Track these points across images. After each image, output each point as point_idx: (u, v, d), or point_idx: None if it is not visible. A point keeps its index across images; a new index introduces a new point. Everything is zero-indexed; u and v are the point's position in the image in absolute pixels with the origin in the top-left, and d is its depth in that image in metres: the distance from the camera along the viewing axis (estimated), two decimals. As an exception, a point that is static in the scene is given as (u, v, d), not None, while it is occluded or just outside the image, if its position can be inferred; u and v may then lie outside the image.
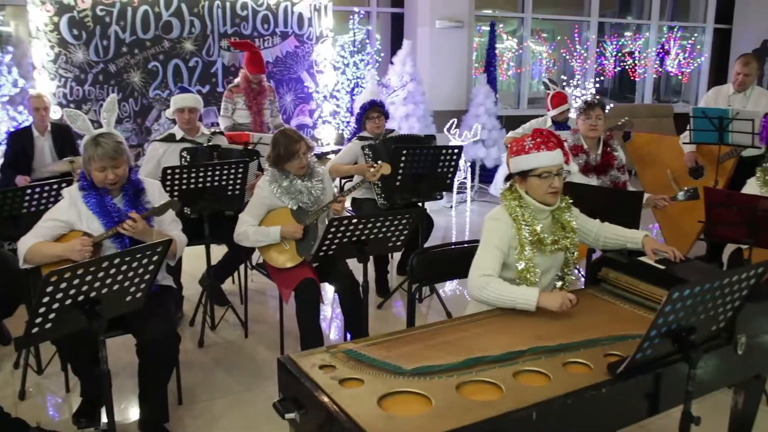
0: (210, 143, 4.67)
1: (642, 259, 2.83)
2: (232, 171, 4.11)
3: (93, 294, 2.38)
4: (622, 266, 2.84)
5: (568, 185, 3.26)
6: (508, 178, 2.90)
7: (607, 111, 5.59)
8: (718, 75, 11.38)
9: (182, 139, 4.66)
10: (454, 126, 7.66)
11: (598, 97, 4.60)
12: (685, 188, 4.30)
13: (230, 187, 4.16)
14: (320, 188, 3.92)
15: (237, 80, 6.22)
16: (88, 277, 2.32)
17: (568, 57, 10.22)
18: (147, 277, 2.57)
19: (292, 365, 2.13)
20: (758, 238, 3.60)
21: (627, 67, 10.81)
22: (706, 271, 2.83)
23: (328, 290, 4.97)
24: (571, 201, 2.93)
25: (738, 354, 2.43)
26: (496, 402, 1.95)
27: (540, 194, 2.76)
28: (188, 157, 4.52)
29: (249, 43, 6.54)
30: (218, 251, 4.55)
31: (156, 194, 3.32)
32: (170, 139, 4.67)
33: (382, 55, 8.64)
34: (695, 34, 11.51)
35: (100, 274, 2.36)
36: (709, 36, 11.53)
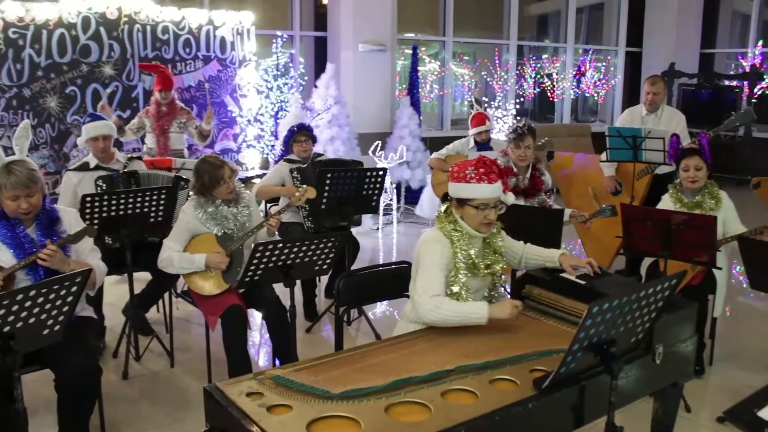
0: (126, 170, 4.55)
1: (564, 275, 2.90)
2: (155, 197, 4.02)
3: (6, 328, 2.28)
4: (545, 283, 2.90)
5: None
6: (445, 199, 2.92)
7: (541, 142, 5.72)
8: (631, 95, 11.83)
9: (96, 167, 4.52)
10: (378, 148, 7.72)
11: (529, 125, 4.64)
12: (604, 205, 4.44)
13: (153, 214, 4.06)
14: (246, 214, 3.88)
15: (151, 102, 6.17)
16: (1, 311, 2.23)
17: (489, 79, 10.45)
18: (65, 309, 2.48)
19: (219, 394, 2.09)
20: (672, 250, 3.74)
21: (546, 88, 11.13)
22: (624, 285, 2.92)
23: (256, 316, 4.91)
24: (503, 226, 2.99)
25: (656, 363, 2.51)
26: (424, 422, 1.95)
27: (474, 223, 2.79)
28: (104, 185, 4.38)
29: (157, 65, 6.51)
30: (142, 280, 4.44)
31: (73, 223, 3.21)
32: (84, 167, 4.53)
33: (306, 78, 8.65)
34: (609, 57, 11.96)
35: (14, 308, 2.26)
36: (621, 58, 12.00)
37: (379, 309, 5.38)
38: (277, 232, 4.08)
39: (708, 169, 4.20)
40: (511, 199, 2.88)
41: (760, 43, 11.40)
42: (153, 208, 4.05)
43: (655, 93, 5.59)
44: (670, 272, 3.68)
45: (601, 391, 2.19)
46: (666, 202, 4.30)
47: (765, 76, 11.04)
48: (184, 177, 4.76)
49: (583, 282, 2.81)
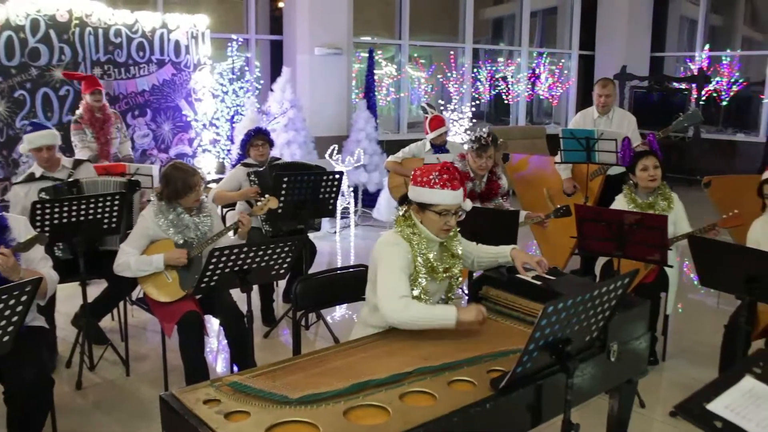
0: (70, 179, 4.45)
1: (519, 276, 2.93)
2: (107, 203, 3.95)
3: (-47, 340, 2.23)
4: (501, 284, 2.93)
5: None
6: (403, 201, 2.91)
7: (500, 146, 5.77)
8: (585, 98, 12.02)
9: (42, 177, 4.42)
10: (335, 152, 7.72)
11: (492, 135, 4.66)
12: (558, 206, 4.51)
13: (106, 221, 3.99)
14: (208, 224, 3.84)
15: (79, 112, 6.06)
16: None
17: (445, 82, 10.52)
18: (15, 319, 2.42)
19: (175, 402, 2.06)
20: (625, 250, 3.81)
21: (501, 91, 11.24)
22: (579, 285, 2.96)
23: (213, 322, 4.85)
24: (458, 229, 3.00)
25: (611, 361, 2.55)
26: (383, 425, 1.96)
27: (434, 229, 2.79)
28: (47, 196, 4.26)
29: (80, 73, 6.46)
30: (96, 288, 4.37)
31: (22, 230, 3.14)
32: (30, 178, 4.42)
33: (262, 82, 8.60)
34: (562, 60, 12.14)
35: (-39, 319, 2.21)
36: (575, 61, 12.20)
37: (337, 313, 5.37)
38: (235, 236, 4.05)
39: (663, 169, 4.30)
40: (469, 205, 2.90)
41: (707, 47, 11.70)
42: (106, 215, 3.98)
43: (606, 95, 5.69)
44: (624, 271, 3.75)
45: (558, 390, 2.22)
46: (620, 203, 4.38)
47: (712, 79, 11.34)
48: (137, 181, 4.70)
49: (538, 282, 2.84)
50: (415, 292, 2.75)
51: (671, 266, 4.05)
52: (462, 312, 2.61)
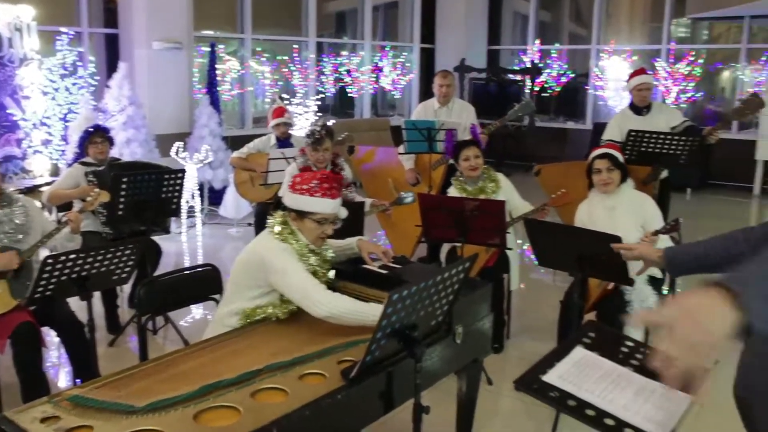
0: None
1: (366, 266, 2.98)
2: None
3: None
4: (349, 275, 2.97)
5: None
6: (277, 206, 2.87)
7: (341, 137, 5.79)
8: (427, 90, 12.35)
9: None
10: (181, 149, 7.48)
11: (325, 127, 4.67)
12: (402, 193, 4.62)
13: None
14: (21, 214, 3.56)
15: None
16: None
17: (289, 76, 10.46)
18: None
19: (8, 425, 1.92)
20: (467, 236, 3.97)
21: (345, 84, 11.33)
22: (424, 272, 3.06)
23: (53, 333, 4.57)
24: None
25: (457, 343, 2.66)
26: (234, 425, 1.93)
27: (311, 237, 2.80)
28: None
29: None
30: None
31: None
32: None
33: (97, 78, 8.15)
34: (404, 53, 12.41)
35: None
36: (416, 54, 12.51)
37: (190, 315, 5.22)
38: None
39: (483, 157, 4.52)
40: (345, 213, 2.91)
41: (538, 41, 12.39)
42: None
43: (446, 86, 5.89)
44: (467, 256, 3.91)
45: (407, 375, 2.28)
46: (452, 193, 4.57)
47: (543, 71, 12.02)
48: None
49: (385, 272, 2.90)
50: None
51: (511, 249, 4.27)
52: None
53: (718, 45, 11.72)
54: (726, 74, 11.59)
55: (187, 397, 2.06)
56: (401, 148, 5.61)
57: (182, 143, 7.66)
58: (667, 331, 1.17)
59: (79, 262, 3.05)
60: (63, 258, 2.99)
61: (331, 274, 2.91)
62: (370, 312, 2.55)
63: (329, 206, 2.77)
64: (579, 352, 2.07)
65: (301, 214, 2.78)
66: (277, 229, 2.80)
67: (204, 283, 3.13)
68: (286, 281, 2.68)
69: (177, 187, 4.63)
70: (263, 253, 2.75)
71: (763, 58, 10.58)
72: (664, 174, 5.22)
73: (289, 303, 2.73)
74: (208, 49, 8.86)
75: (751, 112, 5.16)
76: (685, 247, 2.16)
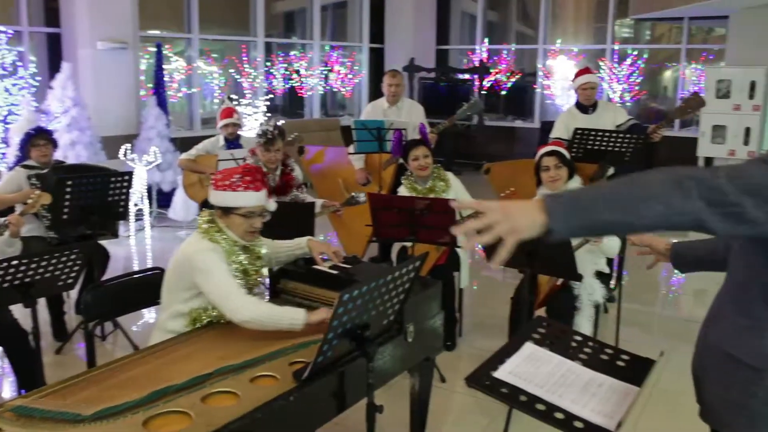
0: None
1: (317, 266, 2.97)
2: None
3: None
4: (299, 276, 2.96)
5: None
6: (204, 206, 2.85)
7: (291, 137, 5.74)
8: (376, 90, 12.37)
9: None
10: (129, 151, 7.35)
11: (277, 127, 4.62)
12: (353, 193, 4.62)
13: None
14: None
15: None
16: None
17: (238, 76, 10.36)
18: None
19: (-52, 436, 1.87)
20: (418, 234, 3.99)
21: (295, 84, 11.27)
22: (375, 271, 3.06)
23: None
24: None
25: (409, 342, 2.67)
26: (185, 430, 1.91)
27: (240, 232, 2.77)
28: None
29: None
30: None
31: None
32: None
33: (39, 79, 7.95)
34: (354, 53, 12.40)
35: None
36: (365, 54, 12.51)
37: (141, 320, 5.12)
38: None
39: (432, 156, 4.55)
40: (273, 206, 2.89)
41: (486, 40, 12.51)
42: None
43: (396, 86, 5.91)
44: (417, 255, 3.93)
45: (360, 375, 2.29)
46: (402, 193, 4.59)
47: (491, 70, 12.15)
48: None
49: (335, 272, 2.90)
50: None
51: (461, 247, 4.30)
52: (311, 315, 2.58)
53: (659, 45, 12.01)
54: (668, 73, 11.89)
55: (136, 403, 2.03)
56: (351, 148, 5.61)
57: (130, 145, 7.52)
58: (483, 216, 1.45)
59: (22, 268, 2.97)
60: (5, 264, 2.91)
61: (265, 271, 2.90)
62: (286, 316, 2.54)
63: (253, 198, 2.76)
64: (529, 348, 2.10)
65: (226, 211, 2.76)
66: (204, 227, 2.78)
67: (153, 287, 3.07)
68: (208, 282, 2.65)
69: (124, 190, 4.54)
70: (190, 253, 2.72)
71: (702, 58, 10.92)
72: (611, 171, 5.33)
73: None
74: (155, 49, 8.72)
75: (693, 110, 5.29)
76: (693, 243, 2.15)
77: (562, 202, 1.44)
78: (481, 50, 12.47)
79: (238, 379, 2.20)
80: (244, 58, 10.39)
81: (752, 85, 9.59)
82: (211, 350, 2.45)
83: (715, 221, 1.39)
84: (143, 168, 7.51)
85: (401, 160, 5.61)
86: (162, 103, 8.42)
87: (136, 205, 7.48)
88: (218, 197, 2.77)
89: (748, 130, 9.63)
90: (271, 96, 10.79)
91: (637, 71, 11.15)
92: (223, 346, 2.48)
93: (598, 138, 4.94)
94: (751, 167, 1.42)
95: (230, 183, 2.73)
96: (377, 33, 12.64)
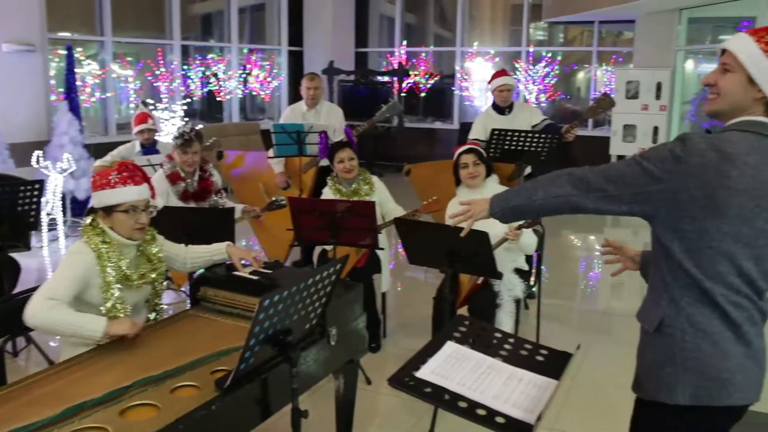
0: None
1: (237, 272, 2.94)
2: None
3: None
4: (219, 282, 2.91)
5: (162, 210, 3.24)
6: (90, 212, 2.77)
7: (209, 142, 5.64)
8: (296, 93, 12.30)
9: None
10: (41, 158, 7.08)
11: (195, 130, 4.54)
12: (274, 198, 4.59)
13: None
14: None
15: None
16: None
17: (153, 80, 10.12)
18: None
19: None
20: (339, 237, 4.00)
21: (213, 88, 11.10)
22: (296, 275, 3.05)
23: None
24: (157, 230, 2.92)
25: (332, 345, 2.67)
26: (102, 446, 1.85)
27: (126, 230, 2.70)
28: None
29: None
30: None
31: None
32: None
33: (-61, 83, 7.58)
34: (273, 56, 12.30)
35: None
36: (284, 57, 12.43)
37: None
38: None
39: (357, 158, 4.58)
40: (159, 202, 2.83)
41: (405, 43, 12.63)
42: None
43: (315, 88, 5.91)
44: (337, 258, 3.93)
45: (284, 380, 2.26)
46: (327, 194, 4.59)
47: (410, 72, 12.27)
48: None
49: (256, 277, 2.87)
50: (109, 305, 2.64)
51: (382, 249, 4.33)
52: (113, 324, 2.53)
53: (572, 48, 12.39)
54: (581, 75, 12.28)
55: (50, 421, 1.96)
56: (271, 152, 5.57)
57: (41, 152, 7.25)
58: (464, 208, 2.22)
59: (-77, 283, 2.83)
60: None
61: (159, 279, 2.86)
62: (85, 326, 2.49)
63: (134, 193, 2.70)
64: (450, 347, 2.14)
65: (108, 211, 2.70)
66: (85, 230, 2.71)
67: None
68: (52, 276, 2.62)
69: (34, 199, 4.38)
70: (66, 255, 2.69)
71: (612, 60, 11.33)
72: (528, 170, 5.46)
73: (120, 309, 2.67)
74: (65, 52, 8.43)
75: (603, 110, 5.47)
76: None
77: (497, 197, 2.14)
78: (400, 53, 12.57)
79: (159, 391, 2.15)
80: (160, 62, 10.16)
81: (658, 86, 10.01)
82: (130, 361, 2.38)
83: (584, 201, 1.90)
84: (57, 175, 7.25)
85: (321, 163, 5.62)
86: (74, 108, 8.14)
87: (48, 214, 7.22)
88: (98, 198, 2.70)
89: (656, 129, 10.05)
90: (189, 100, 10.59)
91: (551, 73, 11.47)
92: (143, 357, 2.42)
93: (515, 138, 5.05)
94: (620, 163, 1.88)
95: (107, 181, 2.67)
96: (296, 36, 12.58)
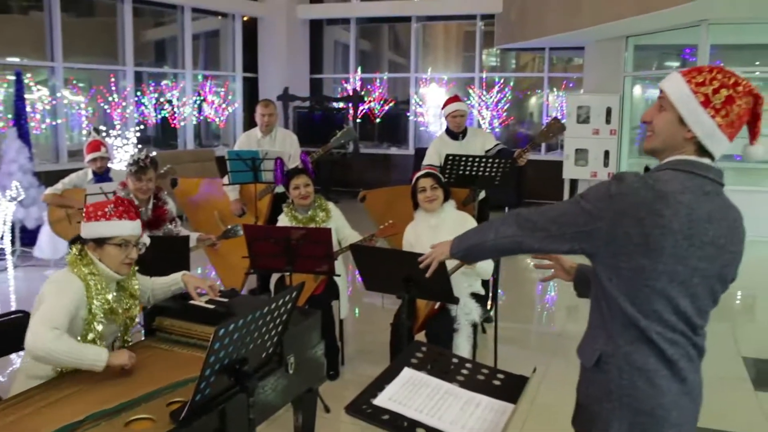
0: None
1: (192, 302, 2.91)
2: None
3: None
4: (175, 312, 2.88)
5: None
6: (75, 241, 2.73)
7: (164, 170, 5.57)
8: (251, 119, 12.27)
9: None
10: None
11: (150, 157, 4.49)
12: (230, 226, 4.55)
13: None
14: None
15: None
16: None
17: (106, 106, 10.00)
18: None
19: None
20: (295, 264, 3.99)
21: (167, 114, 11.00)
22: (252, 304, 3.03)
23: None
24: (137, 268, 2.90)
25: (290, 373, 2.66)
26: (53, 483, 1.81)
27: (115, 263, 2.69)
28: None
29: None
30: None
31: None
32: None
33: None
34: (227, 82, 12.27)
35: None
36: (239, 84, 12.40)
37: (7, 367, 4.77)
38: None
39: (313, 185, 4.58)
40: (148, 239, 2.83)
41: (359, 69, 12.73)
42: None
43: (270, 114, 5.90)
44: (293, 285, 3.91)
45: (241, 410, 2.24)
46: (283, 221, 4.58)
47: (365, 98, 12.36)
48: None
49: (211, 306, 2.85)
50: (90, 337, 2.60)
51: (339, 275, 4.32)
52: (113, 356, 2.50)
53: (524, 73, 12.63)
54: (533, 100, 12.52)
55: (-1, 457, 1.90)
56: (226, 179, 5.53)
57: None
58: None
59: None
60: None
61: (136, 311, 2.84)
62: (89, 356, 2.45)
63: (128, 227, 2.72)
64: (407, 373, 2.14)
65: (100, 242, 2.69)
66: (73, 260, 2.68)
67: (17, 331, 2.88)
68: (40, 306, 2.55)
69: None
70: (46, 284, 2.64)
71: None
72: (482, 195, 5.52)
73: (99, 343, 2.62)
74: (14, 77, 8.28)
75: (554, 134, 5.57)
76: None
77: (457, 238, 2.29)
78: (355, 79, 12.66)
79: (112, 424, 2.11)
80: (113, 88, 10.05)
81: (608, 111, 10.24)
82: (84, 395, 2.33)
83: (530, 241, 1.98)
84: (6, 204, 7.09)
85: (277, 190, 5.60)
86: (24, 135, 7.99)
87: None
88: (91, 229, 2.69)
89: (607, 153, 10.26)
90: (143, 126, 10.48)
91: (504, 98, 11.67)
92: (97, 389, 2.37)
93: (468, 163, 5.11)
94: (563, 203, 1.96)
95: (104, 213, 2.69)
96: (251, 62, 12.57)
